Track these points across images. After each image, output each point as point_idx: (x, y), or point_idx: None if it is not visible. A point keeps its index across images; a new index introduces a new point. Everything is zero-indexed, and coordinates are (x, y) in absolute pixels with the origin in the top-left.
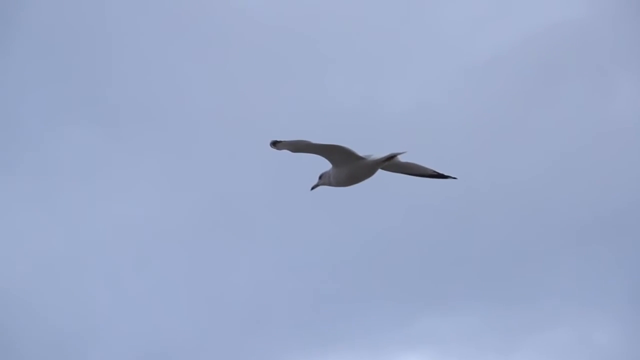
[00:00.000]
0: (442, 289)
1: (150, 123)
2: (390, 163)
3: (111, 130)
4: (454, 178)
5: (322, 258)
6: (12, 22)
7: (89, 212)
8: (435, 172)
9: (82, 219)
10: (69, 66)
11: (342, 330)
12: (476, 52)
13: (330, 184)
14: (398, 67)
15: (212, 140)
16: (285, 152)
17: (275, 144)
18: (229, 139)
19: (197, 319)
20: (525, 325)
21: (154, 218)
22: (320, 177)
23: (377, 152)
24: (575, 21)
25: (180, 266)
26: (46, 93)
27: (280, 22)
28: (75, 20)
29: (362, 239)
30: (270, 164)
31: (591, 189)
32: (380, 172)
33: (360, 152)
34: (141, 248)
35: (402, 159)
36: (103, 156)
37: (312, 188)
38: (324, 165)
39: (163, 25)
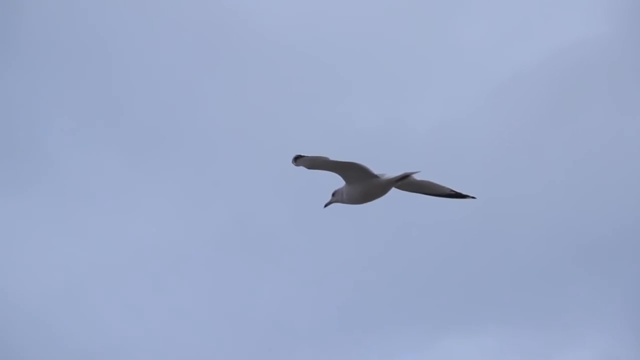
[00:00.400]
0: (463, 310)
1: (170, 144)
2: (406, 182)
3: (131, 152)
4: (473, 197)
5: (343, 278)
6: (35, 47)
7: (111, 234)
8: (452, 191)
9: (104, 240)
10: (89, 90)
11: (364, 350)
12: (498, 70)
13: (343, 202)
14: (420, 87)
15: (232, 161)
16: (302, 169)
17: (297, 158)
18: (249, 161)
19: (219, 339)
20: (549, 346)
21: (174, 239)
22: (333, 194)
23: (395, 172)
24: (597, 39)
25: (202, 286)
26: (68, 116)
27: (301, 44)
28: (95, 45)
29: (383, 259)
30: (291, 184)
31: (614, 207)
32: (399, 193)
33: (376, 171)
34: (162, 269)
35: (418, 177)
36: (124, 178)
37: (326, 205)
38: (338, 182)
39: (183, 47)
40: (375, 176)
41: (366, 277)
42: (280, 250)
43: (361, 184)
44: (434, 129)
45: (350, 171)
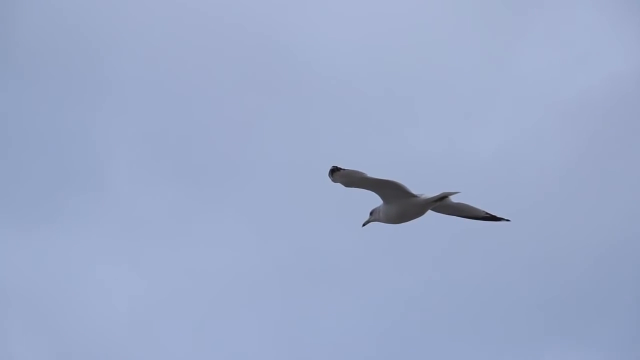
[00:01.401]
0: (529, 334)
1: (231, 175)
2: (442, 204)
3: (192, 183)
4: (507, 220)
5: (409, 303)
6: (94, 80)
7: (174, 264)
8: (488, 213)
9: (167, 270)
10: (152, 123)
11: None
12: (562, 95)
13: (380, 220)
14: (483, 111)
15: (294, 190)
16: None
17: (333, 171)
18: (312, 190)
19: None
20: None
21: (238, 268)
22: (371, 213)
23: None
24: None
25: (265, 315)
26: (127, 148)
27: (362, 72)
28: (153, 77)
29: (446, 284)
30: (352, 214)
31: None
32: (438, 215)
33: (415, 191)
34: (225, 298)
35: (454, 199)
36: (185, 208)
37: (364, 224)
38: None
39: (244, 78)
40: (413, 195)
41: (430, 303)
42: (344, 278)
43: (398, 203)
44: (497, 153)
45: (388, 189)
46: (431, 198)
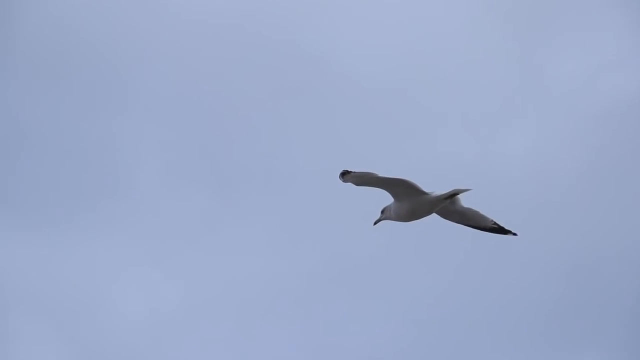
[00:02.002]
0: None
1: (261, 182)
2: (451, 210)
3: (222, 190)
4: (514, 234)
5: (438, 310)
6: (125, 88)
7: (202, 271)
8: (495, 224)
9: (195, 278)
10: (180, 129)
11: None
12: (591, 103)
13: (391, 218)
14: (510, 117)
15: (322, 198)
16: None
17: (344, 174)
18: (340, 198)
19: None
20: None
21: (266, 276)
22: (382, 212)
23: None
24: None
25: (294, 323)
26: (158, 155)
27: (388, 76)
28: (184, 84)
29: (472, 288)
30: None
31: None
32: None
33: (426, 189)
34: (253, 306)
35: (464, 203)
36: (214, 215)
37: (375, 223)
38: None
39: (270, 85)
40: (424, 193)
41: (458, 307)
42: (373, 284)
43: (409, 201)
44: (526, 157)
45: (398, 188)
46: (442, 195)
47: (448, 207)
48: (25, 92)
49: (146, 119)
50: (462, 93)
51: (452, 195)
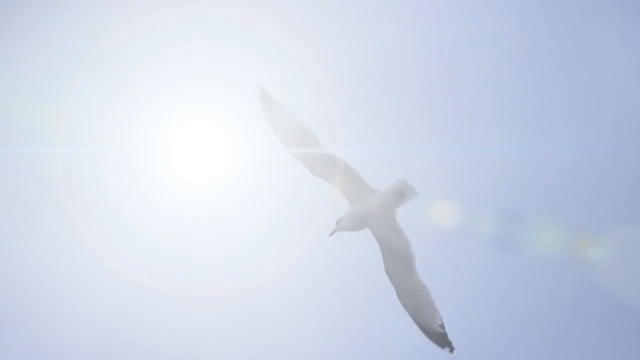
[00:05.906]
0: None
1: None
2: (405, 287)
3: None
4: (451, 350)
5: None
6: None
7: None
8: (442, 327)
9: None
10: None
11: None
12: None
13: (346, 228)
14: (554, 119)
15: None
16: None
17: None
18: None
19: None
20: None
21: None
22: (337, 223)
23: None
24: None
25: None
26: None
27: (431, 76)
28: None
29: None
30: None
31: None
32: None
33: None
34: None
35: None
36: None
37: (330, 234)
38: None
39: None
40: (372, 190)
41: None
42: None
43: (359, 201)
44: (570, 162)
45: (347, 180)
46: (390, 190)
47: (404, 280)
48: None
49: None
50: (508, 92)
51: (399, 192)
